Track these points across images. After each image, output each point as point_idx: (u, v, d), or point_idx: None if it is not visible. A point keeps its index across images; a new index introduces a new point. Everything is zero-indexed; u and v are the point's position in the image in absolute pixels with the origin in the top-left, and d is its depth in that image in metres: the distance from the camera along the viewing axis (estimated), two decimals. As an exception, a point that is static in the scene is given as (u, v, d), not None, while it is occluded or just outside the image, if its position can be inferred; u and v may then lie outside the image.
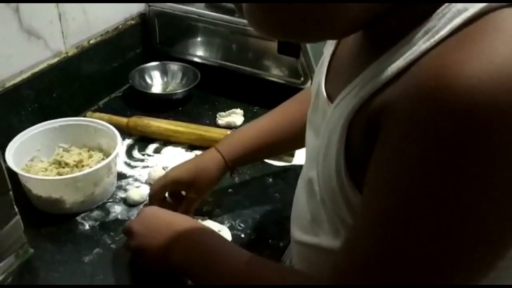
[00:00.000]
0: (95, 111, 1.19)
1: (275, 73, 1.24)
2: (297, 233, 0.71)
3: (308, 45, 1.17)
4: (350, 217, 0.57)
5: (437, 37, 0.44)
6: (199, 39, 1.33)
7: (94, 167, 0.88)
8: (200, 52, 1.33)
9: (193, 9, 1.28)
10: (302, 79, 1.21)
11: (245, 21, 1.18)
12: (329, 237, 0.63)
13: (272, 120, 0.93)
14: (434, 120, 0.41)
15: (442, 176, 0.42)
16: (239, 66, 1.28)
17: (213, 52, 1.32)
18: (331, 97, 0.62)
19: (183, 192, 0.91)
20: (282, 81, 1.24)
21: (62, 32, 1.11)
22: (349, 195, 0.55)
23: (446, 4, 0.45)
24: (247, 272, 0.64)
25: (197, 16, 1.27)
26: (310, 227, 0.68)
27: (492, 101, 0.39)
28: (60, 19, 1.09)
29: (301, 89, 1.21)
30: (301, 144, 0.75)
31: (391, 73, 0.48)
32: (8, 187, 0.76)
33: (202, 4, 1.29)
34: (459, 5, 0.43)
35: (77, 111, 1.18)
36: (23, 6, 0.99)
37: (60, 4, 1.08)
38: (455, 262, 0.44)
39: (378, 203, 0.47)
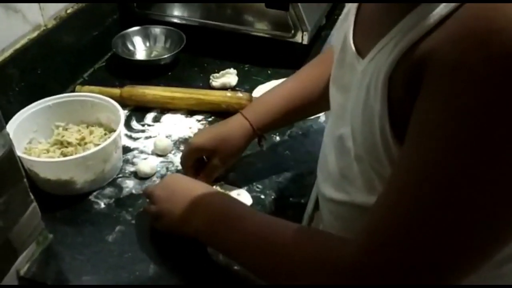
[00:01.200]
0: (81, 84, 1.14)
1: (264, 28, 1.21)
2: (329, 190, 0.71)
3: (297, -3, 1.14)
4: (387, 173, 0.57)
5: None
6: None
7: (103, 144, 0.85)
8: (181, 12, 1.28)
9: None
10: (292, 32, 1.18)
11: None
12: (363, 194, 0.62)
13: (299, 84, 0.90)
14: (486, 67, 0.40)
15: (493, 131, 0.41)
16: (224, 24, 1.24)
17: (195, 12, 1.27)
18: (360, 52, 0.61)
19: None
20: (272, 36, 1.21)
21: (39, 4, 1.03)
22: (392, 150, 0.54)
23: None
24: (270, 235, 0.63)
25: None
26: (341, 184, 0.67)
27: None
28: (37, -8, 1.02)
29: (292, 42, 1.20)
30: (328, 106, 0.73)
31: (433, 21, 0.47)
32: (22, 174, 0.73)
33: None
34: None
35: (63, 86, 1.13)
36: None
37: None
38: (492, 225, 0.44)
39: (423, 153, 0.46)
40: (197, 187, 0.76)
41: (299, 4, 1.14)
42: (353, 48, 0.62)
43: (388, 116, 0.53)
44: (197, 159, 0.88)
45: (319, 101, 0.87)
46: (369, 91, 0.55)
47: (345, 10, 0.69)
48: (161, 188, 0.78)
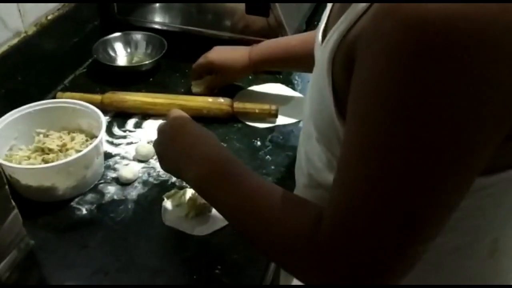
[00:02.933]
0: (62, 90, 1.14)
1: (244, 34, 1.22)
2: (301, 178, 0.74)
3: (278, 3, 1.15)
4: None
5: None
6: (158, 5, 1.28)
7: (85, 150, 0.85)
8: (162, 18, 1.29)
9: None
10: (272, 37, 1.19)
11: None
12: (326, 174, 0.65)
13: (302, 38, 1.03)
14: (395, 33, 0.43)
15: (414, 89, 0.43)
16: (205, 30, 1.25)
17: (176, 17, 1.28)
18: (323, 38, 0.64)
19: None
20: (253, 41, 1.22)
21: (19, 10, 1.03)
22: (338, 130, 0.57)
23: None
24: (259, 201, 0.62)
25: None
26: (306, 167, 0.70)
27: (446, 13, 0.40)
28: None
29: (273, 48, 1.21)
30: None
31: (364, 4, 0.50)
32: (3, 180, 0.72)
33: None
34: None
35: (44, 93, 1.13)
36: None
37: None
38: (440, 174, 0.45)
39: (358, 126, 0.48)
40: (197, 136, 0.74)
41: (279, 10, 1.15)
42: (320, 38, 0.66)
43: (332, 97, 0.56)
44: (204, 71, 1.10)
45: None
46: (319, 75, 0.59)
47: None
48: (164, 131, 0.77)
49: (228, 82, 1.13)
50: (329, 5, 0.70)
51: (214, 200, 0.68)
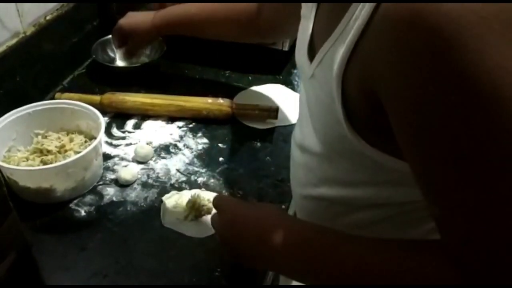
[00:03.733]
0: (61, 91, 1.13)
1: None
2: (297, 188, 0.74)
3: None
4: (353, 165, 0.59)
5: None
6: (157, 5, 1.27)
7: (84, 151, 0.84)
8: (161, 19, 1.28)
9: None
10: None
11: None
12: (325, 187, 0.64)
13: (206, 6, 1.05)
14: (423, 47, 0.41)
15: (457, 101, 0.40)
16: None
17: (176, 18, 1.27)
18: (311, 56, 0.64)
19: None
20: (252, 42, 1.22)
21: (18, 11, 1.03)
22: (353, 144, 0.56)
23: None
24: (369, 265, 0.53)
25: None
26: (306, 179, 0.69)
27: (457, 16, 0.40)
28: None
29: (273, 49, 1.21)
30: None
31: (364, 19, 0.48)
32: (1, 182, 0.72)
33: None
34: None
35: (43, 93, 1.12)
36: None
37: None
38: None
39: (431, 157, 0.44)
40: (264, 220, 0.64)
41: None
42: (306, 54, 0.65)
43: (344, 112, 0.55)
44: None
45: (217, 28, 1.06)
46: (323, 90, 0.58)
47: (301, 25, 0.71)
48: (225, 229, 0.67)
49: (139, 47, 1.17)
50: (309, 17, 0.67)
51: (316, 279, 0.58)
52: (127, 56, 1.18)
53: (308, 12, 0.68)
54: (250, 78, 1.21)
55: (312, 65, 0.61)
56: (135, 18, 1.13)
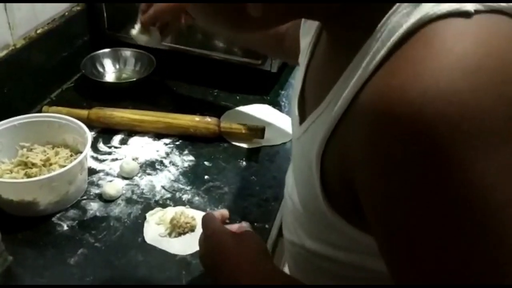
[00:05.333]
0: (48, 104, 1.13)
1: (233, 54, 1.23)
2: (285, 231, 0.72)
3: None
4: (333, 235, 0.56)
5: (377, 59, 0.42)
6: (148, 23, 1.28)
7: (69, 165, 0.84)
8: (151, 36, 1.29)
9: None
10: (261, 59, 1.20)
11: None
12: (311, 240, 0.63)
13: None
14: (398, 144, 0.38)
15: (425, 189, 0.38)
16: (194, 49, 1.25)
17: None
18: (303, 115, 0.60)
19: None
20: (241, 63, 1.23)
21: (9, 23, 1.03)
22: (327, 216, 0.54)
23: (385, 18, 0.43)
24: None
25: None
26: (293, 227, 0.67)
27: (428, 121, 0.36)
28: (5, 10, 1.01)
29: (261, 70, 1.23)
30: None
31: (344, 103, 0.46)
32: (-16, 194, 0.72)
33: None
34: (394, 21, 0.42)
35: (30, 106, 1.12)
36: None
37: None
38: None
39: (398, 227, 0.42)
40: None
41: (268, 32, 1.17)
42: (296, 112, 0.63)
43: (321, 188, 0.53)
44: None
45: None
46: (305, 159, 0.55)
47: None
48: (206, 256, 0.68)
49: (160, 16, 1.01)
50: (301, 63, 0.65)
51: None
52: (143, 25, 1.01)
53: (302, 59, 0.65)
54: (237, 97, 1.22)
55: (301, 128, 0.59)
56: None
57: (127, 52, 1.27)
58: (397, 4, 0.43)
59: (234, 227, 0.71)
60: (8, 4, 1.01)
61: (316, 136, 0.51)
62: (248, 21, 0.49)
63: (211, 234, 0.68)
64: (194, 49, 1.25)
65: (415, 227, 0.40)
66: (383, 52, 0.41)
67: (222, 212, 0.76)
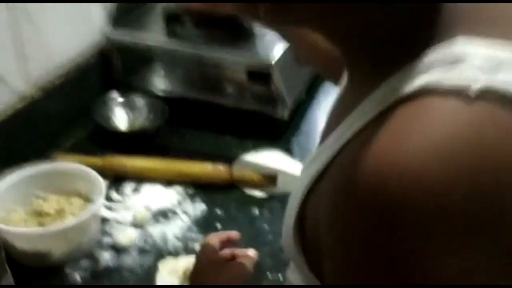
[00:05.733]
0: (61, 152, 1.14)
1: (245, 102, 1.25)
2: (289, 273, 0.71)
3: (278, 73, 1.18)
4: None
5: (361, 122, 0.40)
6: (161, 71, 1.31)
7: (83, 216, 0.85)
8: (163, 83, 1.32)
9: (152, 44, 1.27)
10: (273, 106, 1.22)
11: (210, 52, 1.19)
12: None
13: None
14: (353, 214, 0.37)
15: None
16: (206, 96, 1.27)
17: (177, 83, 1.31)
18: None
19: None
20: (252, 109, 1.25)
21: (24, 73, 1.06)
22: (298, 260, 0.52)
23: (396, 74, 0.40)
24: None
25: (157, 47, 1.26)
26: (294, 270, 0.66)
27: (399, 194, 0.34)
28: (21, 60, 1.04)
29: (272, 117, 1.24)
30: None
31: (326, 159, 0.44)
32: (0, 244, 0.72)
33: (162, 35, 1.28)
34: (397, 81, 0.39)
35: (42, 154, 1.12)
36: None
37: (22, 44, 1.03)
38: None
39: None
40: None
41: (280, 80, 1.18)
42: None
43: (293, 231, 0.51)
44: None
45: None
46: (292, 197, 0.53)
47: None
48: (193, 274, 0.76)
49: None
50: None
51: None
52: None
53: None
54: (249, 144, 1.22)
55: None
56: None
57: (139, 100, 1.29)
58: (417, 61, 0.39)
59: (237, 251, 0.72)
60: (24, 55, 1.04)
61: (305, 178, 0.48)
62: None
63: (203, 258, 0.73)
64: (205, 97, 1.27)
65: None
66: (370, 115, 0.40)
67: (229, 233, 0.76)
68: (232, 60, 1.21)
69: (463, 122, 0.35)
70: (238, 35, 1.27)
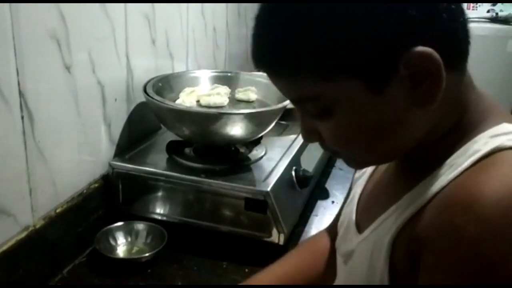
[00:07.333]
0: (60, 281, 1.15)
1: (242, 228, 1.28)
2: None
3: (274, 200, 1.23)
4: None
5: (459, 169, 0.57)
6: (162, 198, 1.36)
7: None
8: (163, 210, 1.35)
9: (156, 170, 1.33)
10: (269, 232, 1.25)
11: (208, 180, 1.25)
12: None
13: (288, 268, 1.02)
14: (474, 228, 0.49)
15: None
16: (205, 223, 1.31)
17: (177, 210, 1.34)
18: (359, 227, 0.73)
19: None
20: (249, 235, 1.28)
21: (32, 207, 1.10)
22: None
23: (467, 144, 0.59)
24: None
25: (159, 177, 1.31)
26: None
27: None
28: (30, 194, 1.09)
29: (269, 243, 1.26)
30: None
31: (422, 202, 0.59)
32: None
33: (165, 165, 1.35)
34: (476, 146, 0.58)
35: (41, 283, 1.14)
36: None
37: (31, 178, 1.08)
38: None
39: None
40: None
41: (276, 208, 1.23)
42: (354, 224, 0.75)
43: (388, 273, 0.63)
44: None
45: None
46: (369, 259, 0.66)
47: (352, 193, 0.82)
48: None
49: None
50: (357, 191, 0.79)
51: None
52: None
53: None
54: (246, 270, 1.24)
55: (360, 236, 0.71)
56: None
57: (140, 225, 1.32)
58: (479, 135, 0.59)
59: None
60: (33, 189, 1.09)
61: (386, 231, 0.63)
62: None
63: None
64: (203, 222, 1.31)
65: None
66: (465, 165, 0.56)
67: None
68: (230, 188, 1.27)
69: None
70: (235, 164, 1.33)
